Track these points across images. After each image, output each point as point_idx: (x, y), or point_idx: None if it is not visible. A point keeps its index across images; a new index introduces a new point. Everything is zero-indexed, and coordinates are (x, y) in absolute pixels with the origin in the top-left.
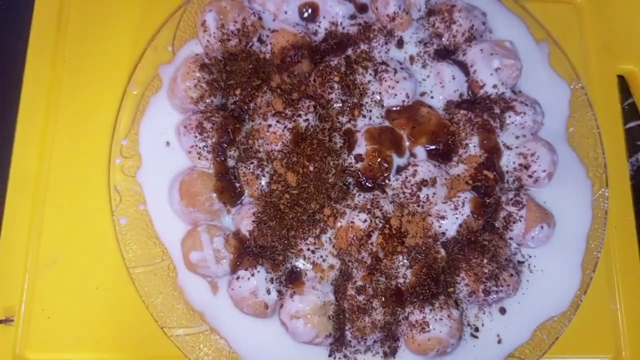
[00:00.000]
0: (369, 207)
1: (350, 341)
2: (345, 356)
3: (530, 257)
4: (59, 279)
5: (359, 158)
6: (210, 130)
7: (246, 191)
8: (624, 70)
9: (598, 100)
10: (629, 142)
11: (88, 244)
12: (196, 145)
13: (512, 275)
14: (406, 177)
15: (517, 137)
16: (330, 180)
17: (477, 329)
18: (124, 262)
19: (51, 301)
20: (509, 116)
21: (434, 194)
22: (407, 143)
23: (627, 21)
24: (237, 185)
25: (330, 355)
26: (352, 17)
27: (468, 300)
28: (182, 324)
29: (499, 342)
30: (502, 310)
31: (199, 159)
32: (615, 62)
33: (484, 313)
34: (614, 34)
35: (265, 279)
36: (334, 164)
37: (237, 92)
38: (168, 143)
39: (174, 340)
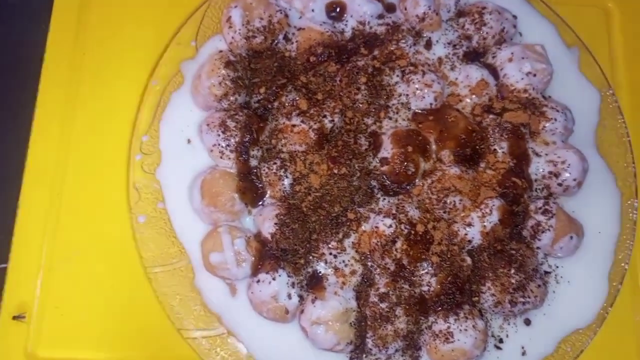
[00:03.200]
0: (393, 212)
1: (371, 349)
2: None
3: (557, 267)
4: (74, 276)
5: (384, 161)
6: (234, 129)
7: (268, 192)
8: None
9: (628, 107)
10: None
11: (105, 241)
12: (219, 144)
13: (539, 286)
14: (432, 182)
15: (547, 144)
16: (354, 184)
17: (501, 340)
18: (140, 261)
19: (65, 298)
20: (540, 122)
21: (460, 200)
22: (434, 147)
23: None
24: (259, 185)
25: None
26: (380, 16)
27: (493, 311)
28: (199, 326)
29: (523, 354)
30: (527, 322)
31: (221, 158)
32: None
33: (509, 324)
34: None
35: (287, 283)
36: (358, 166)
37: (262, 90)
38: (189, 141)
39: (190, 343)
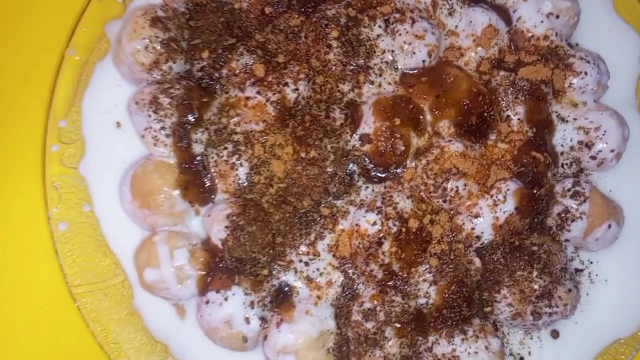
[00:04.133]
0: (379, 204)
1: None
2: None
3: (591, 263)
4: None
5: (365, 139)
6: (169, 106)
7: (219, 186)
8: None
9: None
10: None
11: (22, 254)
12: (150, 127)
13: (569, 290)
14: (428, 163)
15: (575, 106)
16: (328, 170)
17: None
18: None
19: None
20: (566, 77)
21: (465, 185)
22: (429, 117)
23: None
24: (208, 178)
25: None
26: None
27: (511, 324)
28: (141, 358)
29: None
30: (555, 334)
31: (155, 144)
32: None
33: (532, 338)
34: None
35: (244, 304)
36: (332, 147)
37: (205, 54)
38: (119, 124)
39: None
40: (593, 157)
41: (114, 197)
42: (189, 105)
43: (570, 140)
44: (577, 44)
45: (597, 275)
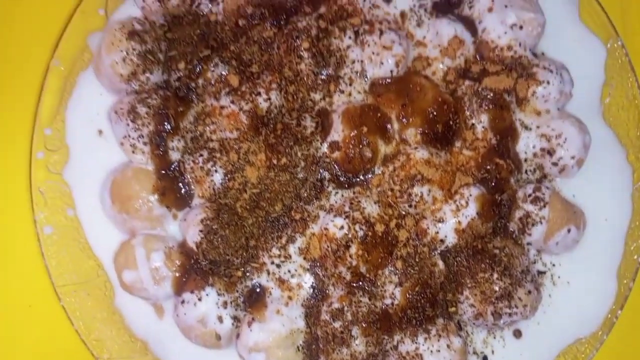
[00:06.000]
0: (347, 209)
1: None
2: None
3: (553, 265)
4: None
5: (335, 146)
6: (146, 115)
7: (195, 191)
8: None
9: None
10: None
11: (7, 257)
12: (129, 135)
13: (529, 292)
14: (395, 170)
15: (538, 114)
16: (299, 176)
17: (485, 358)
18: (50, 280)
19: None
20: (529, 87)
21: (429, 190)
22: (397, 125)
23: None
24: (184, 183)
25: None
26: None
27: (474, 323)
28: (122, 355)
29: None
30: (517, 334)
31: (133, 152)
32: None
33: (494, 337)
34: None
35: (217, 304)
36: (303, 154)
37: (181, 65)
38: (101, 132)
39: None
40: (555, 164)
41: (96, 202)
42: (166, 114)
43: (533, 147)
44: (543, 53)
45: (559, 277)
